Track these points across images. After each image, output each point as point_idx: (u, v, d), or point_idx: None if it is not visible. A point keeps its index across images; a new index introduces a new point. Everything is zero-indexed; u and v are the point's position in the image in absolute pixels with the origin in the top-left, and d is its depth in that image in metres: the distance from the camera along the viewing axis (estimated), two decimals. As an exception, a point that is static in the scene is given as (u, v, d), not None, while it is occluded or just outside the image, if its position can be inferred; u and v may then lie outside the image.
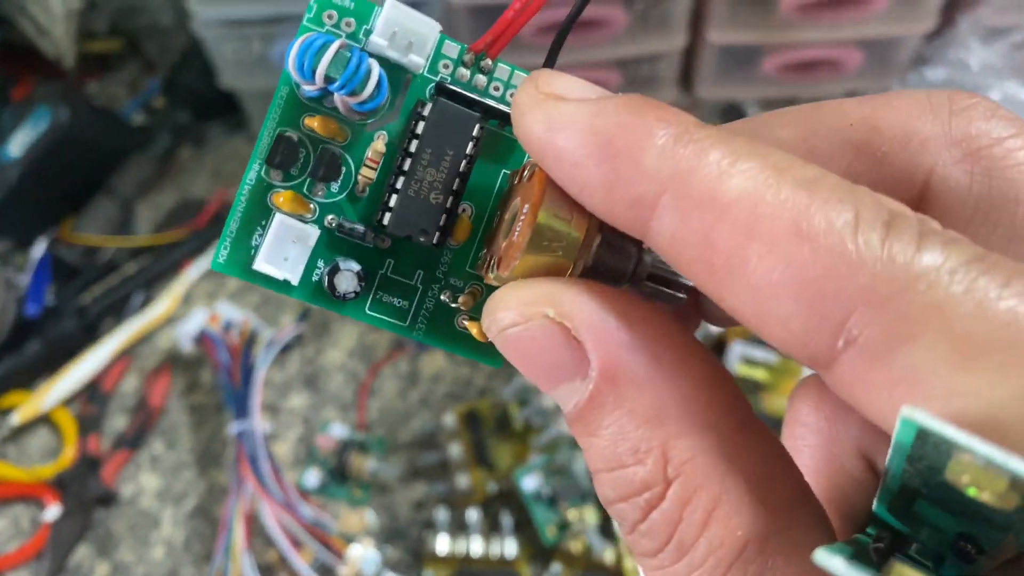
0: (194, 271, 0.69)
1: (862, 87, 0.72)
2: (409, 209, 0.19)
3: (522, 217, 0.17)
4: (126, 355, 0.67)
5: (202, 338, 0.63)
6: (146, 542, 0.61)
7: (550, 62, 0.20)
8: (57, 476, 0.63)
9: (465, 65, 0.20)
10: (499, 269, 0.18)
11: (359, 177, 0.19)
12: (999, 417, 0.12)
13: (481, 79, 0.20)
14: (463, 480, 0.59)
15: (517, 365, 0.17)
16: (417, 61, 0.19)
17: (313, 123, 0.19)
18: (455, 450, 0.61)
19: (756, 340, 0.60)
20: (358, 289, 0.19)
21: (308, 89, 0.19)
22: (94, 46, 0.76)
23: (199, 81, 0.71)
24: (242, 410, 0.59)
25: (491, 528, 0.58)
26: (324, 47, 0.18)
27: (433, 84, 0.20)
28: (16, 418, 0.64)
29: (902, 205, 0.14)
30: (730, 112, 0.72)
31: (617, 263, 0.18)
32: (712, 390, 0.16)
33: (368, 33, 0.19)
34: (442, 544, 0.57)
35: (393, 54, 0.19)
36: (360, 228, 0.19)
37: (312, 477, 0.61)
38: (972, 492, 0.12)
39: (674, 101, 0.73)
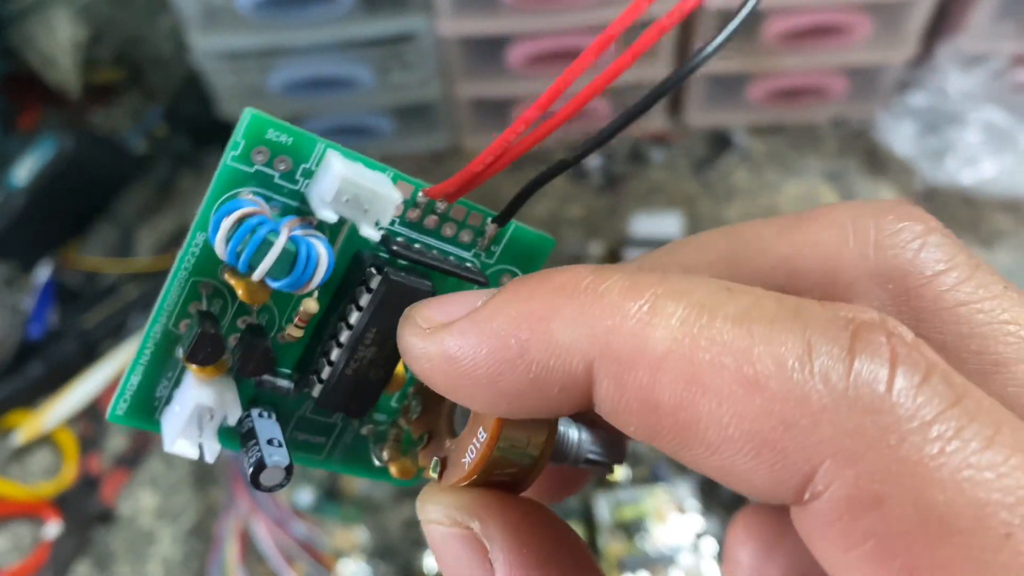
0: (193, 294, 0.70)
1: (848, 112, 0.74)
2: (344, 386, 0.17)
3: (475, 442, 0.16)
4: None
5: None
6: (144, 559, 0.63)
7: (508, 213, 0.19)
8: (58, 495, 0.64)
9: (416, 206, 0.18)
10: (442, 478, 0.17)
11: (285, 334, 0.17)
12: None
13: (433, 219, 0.18)
14: (453, 499, 0.60)
15: (435, 556, 0.17)
16: (370, 233, 0.16)
17: (237, 286, 0.17)
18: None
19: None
20: (284, 483, 0.17)
21: (226, 249, 0.16)
22: (98, 76, 0.78)
23: (198, 110, 0.73)
24: (237, 430, 0.61)
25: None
26: (265, 244, 0.15)
27: (379, 241, 0.17)
28: (19, 438, 0.65)
29: (863, 311, 0.13)
30: (717, 140, 0.74)
31: (565, 449, 0.18)
32: None
33: (307, 174, 0.16)
34: (431, 562, 0.58)
35: (347, 217, 0.16)
36: (284, 385, 0.18)
37: (305, 496, 0.63)
38: None
39: (663, 128, 0.75)
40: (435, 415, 0.19)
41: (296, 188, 0.17)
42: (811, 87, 0.71)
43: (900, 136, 0.69)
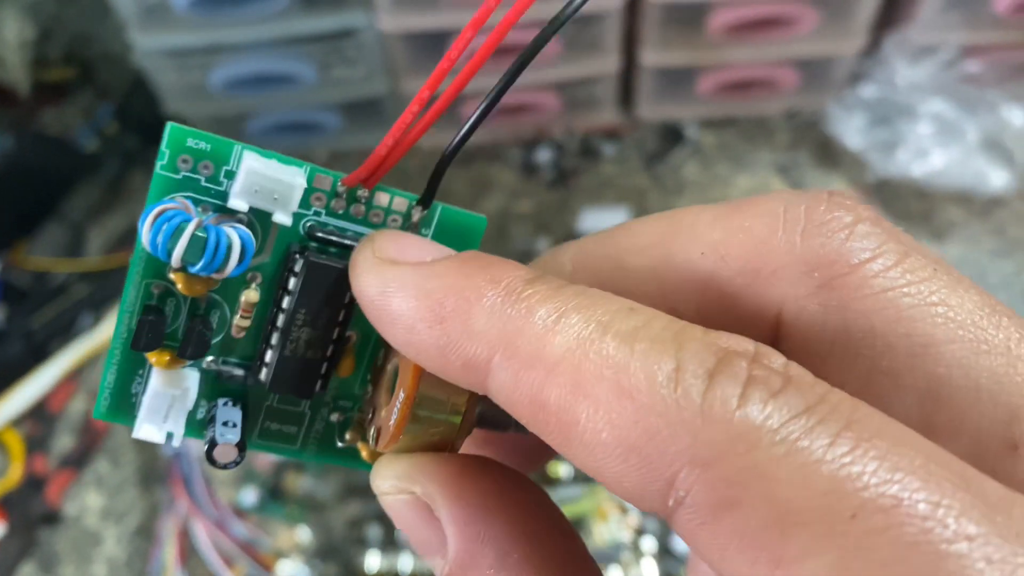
0: (141, 293, 0.70)
1: (800, 104, 0.73)
2: (286, 368, 0.18)
3: (398, 402, 0.17)
4: (74, 377, 0.68)
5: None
6: (89, 560, 0.63)
7: (429, 195, 0.19)
8: (3, 495, 0.64)
9: (339, 196, 0.19)
10: (378, 444, 0.18)
11: (234, 324, 0.19)
12: None
13: (360, 208, 0.19)
14: (395, 497, 0.60)
15: (397, 527, 0.18)
16: (283, 218, 0.18)
17: (177, 280, 0.18)
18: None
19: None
20: (238, 459, 0.19)
21: (163, 253, 0.18)
22: (49, 75, 0.78)
23: (148, 108, 0.73)
24: (177, 430, 0.61)
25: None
26: (178, 231, 0.17)
27: (307, 223, 0.18)
28: (-36, 439, 0.65)
29: (738, 340, 0.14)
30: (668, 133, 0.73)
31: (500, 416, 0.19)
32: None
33: (229, 175, 0.18)
34: (373, 561, 0.58)
35: (259, 207, 0.18)
36: (240, 374, 0.19)
37: (249, 495, 0.63)
38: None
39: (614, 122, 0.74)
40: (377, 391, 0.20)
41: (222, 189, 0.18)
42: (761, 79, 0.71)
43: (851, 128, 0.69)
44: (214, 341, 0.19)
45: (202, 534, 0.57)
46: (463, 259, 0.16)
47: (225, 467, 0.19)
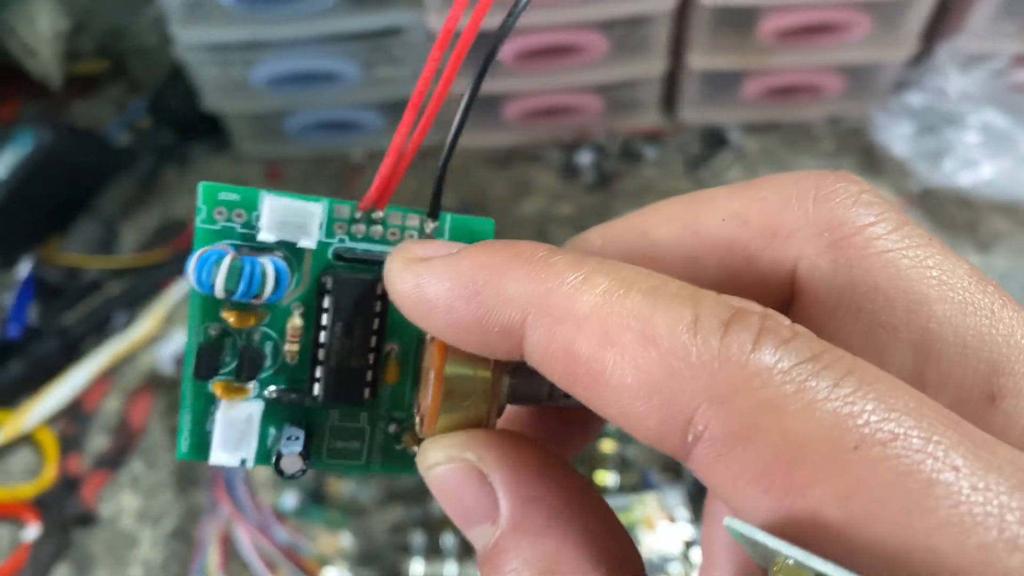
0: (176, 291, 0.69)
1: (843, 111, 0.73)
2: (334, 379, 0.20)
3: (430, 383, 0.19)
4: (108, 375, 0.67)
5: (182, 358, 0.64)
6: (124, 563, 0.62)
7: (435, 209, 0.21)
8: (38, 496, 0.63)
9: (358, 222, 0.21)
10: (422, 430, 0.20)
11: (285, 351, 0.21)
12: (818, 515, 0.14)
13: (377, 229, 0.21)
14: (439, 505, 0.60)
15: (441, 504, 0.19)
16: (308, 243, 0.20)
17: (229, 317, 0.20)
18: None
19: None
20: (304, 467, 0.21)
21: (213, 292, 0.20)
22: (81, 67, 0.77)
23: (183, 103, 0.72)
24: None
25: (465, 552, 0.59)
26: (217, 264, 0.19)
27: (333, 250, 0.21)
28: (-2, 438, 0.64)
29: (748, 303, 0.16)
30: (711, 137, 0.73)
31: (532, 389, 0.20)
32: (606, 543, 0.18)
33: (260, 219, 0.20)
34: (417, 568, 0.58)
35: (281, 236, 0.20)
36: (298, 396, 0.21)
37: (290, 500, 0.62)
38: None
39: (656, 125, 0.73)
40: (419, 391, 0.21)
41: (255, 233, 0.20)
42: (807, 85, 0.70)
43: (897, 136, 0.68)
44: (271, 370, 0.21)
45: (245, 539, 0.56)
46: (487, 243, 0.18)
47: (292, 477, 0.21)
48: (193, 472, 0.64)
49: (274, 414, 0.21)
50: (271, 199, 0.20)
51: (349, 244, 0.21)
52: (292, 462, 0.21)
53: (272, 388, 0.21)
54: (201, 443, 0.21)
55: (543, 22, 0.61)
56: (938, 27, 0.67)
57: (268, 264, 0.20)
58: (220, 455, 0.20)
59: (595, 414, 0.20)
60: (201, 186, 0.20)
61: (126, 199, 0.72)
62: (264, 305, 0.20)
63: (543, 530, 0.17)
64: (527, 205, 0.71)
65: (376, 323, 0.20)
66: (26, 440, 0.66)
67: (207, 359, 0.20)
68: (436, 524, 0.60)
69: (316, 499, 0.62)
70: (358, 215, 0.21)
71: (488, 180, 0.73)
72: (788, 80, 0.69)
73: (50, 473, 0.64)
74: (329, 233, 0.21)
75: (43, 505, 0.63)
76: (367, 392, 0.21)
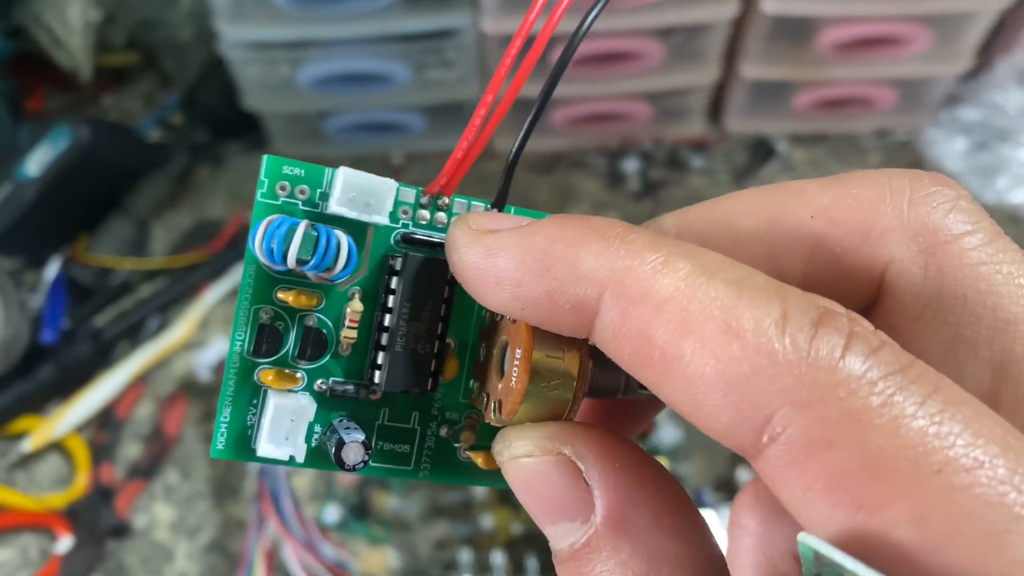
0: (211, 295, 0.67)
1: (893, 125, 0.72)
2: (399, 365, 0.19)
3: (516, 363, 0.18)
4: (141, 381, 0.65)
5: (220, 367, 0.62)
6: (159, 576, 0.60)
7: (501, 198, 0.20)
8: (69, 506, 0.61)
9: (423, 207, 0.20)
10: (501, 413, 0.18)
11: (341, 338, 0.19)
12: (891, 535, 0.13)
13: (441, 216, 0.20)
14: (487, 520, 0.58)
15: (521, 495, 0.18)
16: (380, 220, 0.19)
17: (287, 297, 0.19)
18: (479, 489, 0.59)
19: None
20: (366, 459, 0.19)
21: (272, 264, 0.19)
22: (110, 59, 0.74)
23: (219, 99, 0.70)
24: (264, 445, 0.58)
25: (516, 571, 0.57)
26: (291, 231, 0.18)
27: (398, 234, 0.19)
28: (27, 444, 0.62)
29: (834, 304, 0.15)
30: (758, 147, 0.71)
31: (609, 380, 0.19)
32: (699, 552, 0.17)
33: (324, 197, 0.19)
34: (464, 586, 0.56)
35: (353, 215, 0.19)
36: (352, 388, 0.19)
37: (332, 513, 0.60)
38: None
39: (702, 134, 0.72)
40: (487, 380, 0.20)
41: (318, 210, 0.19)
42: (859, 98, 0.69)
43: (949, 151, 0.67)
44: (324, 361, 0.19)
45: (291, 556, 0.54)
46: (561, 217, 0.17)
47: (354, 469, 0.19)
48: (231, 483, 0.62)
49: (320, 409, 0.19)
50: (347, 171, 0.19)
51: (412, 229, 0.20)
52: (355, 451, 0.19)
53: (321, 381, 0.19)
54: (240, 440, 0.19)
55: (603, 28, 0.59)
56: (994, 42, 0.66)
57: (342, 235, 0.18)
58: (268, 448, 0.18)
59: (648, 408, 0.20)
60: (265, 158, 0.19)
61: (158, 198, 0.70)
62: (323, 287, 0.19)
63: (645, 532, 0.16)
64: (571, 212, 0.69)
65: (443, 309, 0.19)
66: (56, 447, 0.64)
67: (269, 338, 0.19)
68: (484, 541, 0.58)
69: (359, 514, 0.60)
70: (424, 200, 0.20)
71: (532, 185, 0.71)
72: (840, 92, 0.68)
73: (81, 482, 0.62)
74: (393, 218, 0.19)
75: (75, 515, 0.61)
76: (430, 383, 0.19)
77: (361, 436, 0.19)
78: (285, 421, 0.19)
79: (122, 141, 0.67)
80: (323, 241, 0.18)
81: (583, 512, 0.17)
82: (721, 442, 0.15)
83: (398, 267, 0.19)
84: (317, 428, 0.19)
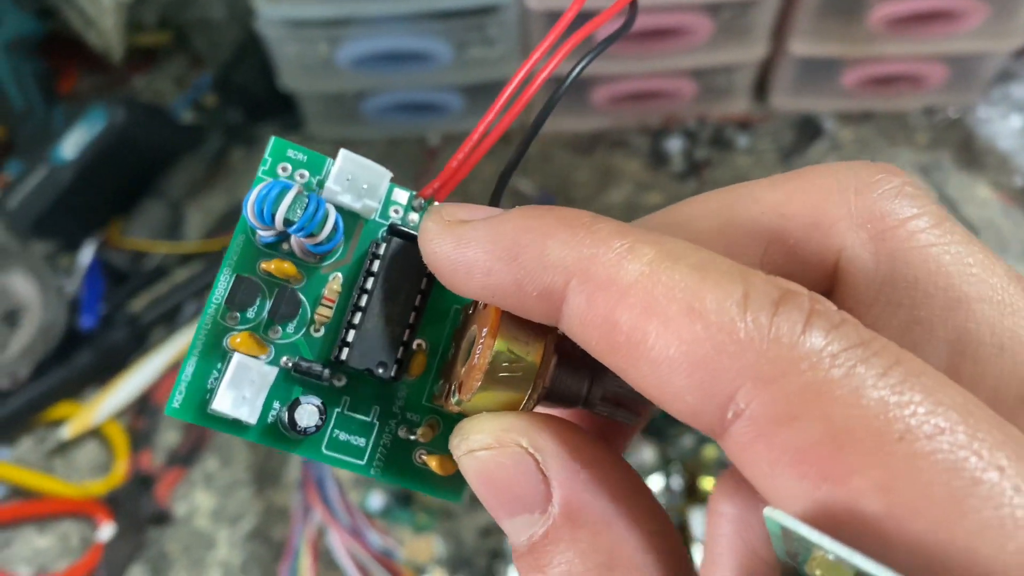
0: (249, 280, 0.66)
1: (943, 102, 0.70)
2: (367, 342, 0.19)
3: (481, 341, 0.18)
4: (178, 367, 0.64)
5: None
6: (202, 564, 0.59)
7: (496, 199, 0.21)
8: (109, 493, 0.60)
9: (415, 210, 0.20)
10: (460, 393, 0.18)
11: (315, 316, 0.19)
12: (857, 506, 0.13)
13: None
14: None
15: (478, 488, 0.17)
16: (371, 205, 0.20)
17: (269, 266, 0.19)
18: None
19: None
20: (319, 423, 0.19)
21: (264, 235, 0.19)
22: (141, 39, 0.73)
23: (253, 79, 0.68)
24: (307, 432, 0.57)
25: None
26: (283, 192, 0.19)
27: (386, 227, 0.20)
28: (66, 431, 0.61)
29: (795, 284, 0.15)
30: (804, 125, 0.70)
31: (572, 385, 0.19)
32: (660, 542, 0.17)
33: (321, 184, 0.20)
34: (513, 575, 0.55)
35: (347, 199, 0.19)
36: (318, 367, 0.19)
37: (376, 501, 0.59)
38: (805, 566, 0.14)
39: (747, 112, 0.70)
40: (451, 372, 0.20)
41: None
42: (908, 74, 0.67)
43: (1003, 129, 0.65)
44: (294, 339, 0.19)
45: (337, 543, 0.53)
46: (529, 207, 0.17)
47: (304, 431, 0.19)
48: (272, 470, 0.61)
49: (282, 386, 0.19)
50: (346, 152, 0.19)
51: (405, 229, 0.20)
52: (309, 413, 0.19)
53: (287, 358, 0.19)
54: (199, 402, 0.19)
55: (651, 3, 0.58)
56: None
57: (331, 208, 0.19)
58: (224, 402, 0.18)
59: (620, 428, 0.21)
60: (272, 139, 0.20)
61: (192, 181, 0.69)
62: (307, 267, 0.19)
63: (604, 523, 0.16)
64: (613, 194, 0.68)
65: (418, 299, 0.20)
66: (94, 434, 0.63)
67: (244, 290, 0.19)
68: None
69: (403, 501, 0.59)
70: (416, 203, 0.20)
71: (571, 166, 0.70)
72: (890, 69, 0.67)
73: (121, 469, 0.61)
74: (384, 214, 0.20)
75: (115, 503, 0.60)
76: (394, 369, 0.19)
77: (319, 400, 0.19)
78: (246, 380, 0.18)
79: (157, 122, 0.65)
80: (312, 206, 0.19)
81: (541, 504, 0.17)
82: (690, 424, 0.15)
83: (381, 251, 0.19)
84: (275, 404, 0.19)
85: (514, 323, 0.17)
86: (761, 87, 0.70)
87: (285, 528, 0.60)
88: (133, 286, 0.66)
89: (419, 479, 0.20)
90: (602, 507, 0.17)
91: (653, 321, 0.15)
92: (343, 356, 0.19)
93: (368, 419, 0.20)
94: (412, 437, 0.20)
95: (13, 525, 0.61)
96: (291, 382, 0.20)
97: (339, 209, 0.19)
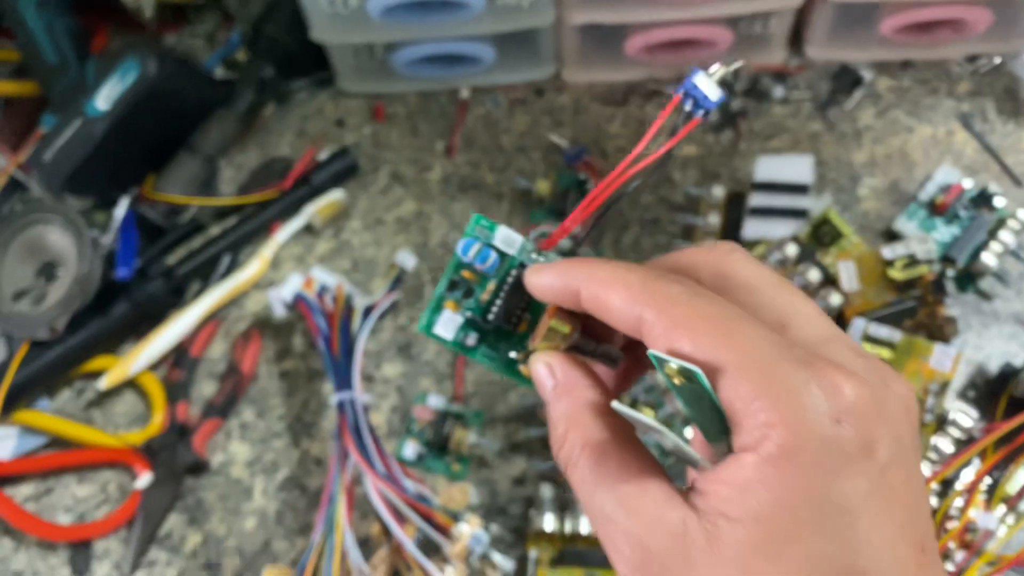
0: (282, 234, 0.66)
1: (986, 49, 0.68)
2: (501, 312, 0.33)
3: (545, 319, 0.31)
4: (214, 319, 0.64)
5: (296, 303, 0.61)
6: (237, 513, 0.59)
7: (572, 253, 0.33)
8: (146, 443, 0.61)
9: (532, 251, 0.33)
10: (533, 342, 0.32)
11: (481, 298, 0.33)
12: (679, 347, 0.26)
13: (541, 259, 0.34)
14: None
15: (535, 380, 0.31)
16: (511, 251, 0.32)
17: (466, 274, 0.33)
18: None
19: (877, 318, 0.57)
20: (465, 337, 0.33)
21: (464, 260, 0.32)
22: (173, -4, 0.73)
23: (284, 33, 0.68)
24: (342, 379, 0.57)
25: (600, 507, 0.56)
26: (472, 244, 0.32)
27: (518, 262, 0.33)
28: (103, 382, 0.62)
29: (677, 276, 0.28)
30: (841, 75, 0.68)
31: (584, 345, 0.31)
32: (602, 393, 0.30)
33: (489, 237, 0.32)
34: (547, 522, 0.55)
35: (501, 247, 0.32)
36: (480, 320, 0.33)
37: (410, 449, 0.59)
38: (669, 381, 0.25)
39: (783, 62, 0.69)
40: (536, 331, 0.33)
41: (490, 241, 0.33)
42: (950, 19, 0.66)
43: (1048, 75, 0.64)
44: (472, 304, 0.33)
45: (372, 489, 0.53)
46: (568, 259, 0.31)
47: (465, 344, 0.33)
48: (307, 421, 0.62)
49: (465, 327, 0.33)
50: (504, 228, 0.32)
51: (525, 259, 0.33)
52: (449, 322, 0.33)
53: (468, 313, 0.33)
54: (431, 325, 0.33)
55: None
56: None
57: (493, 253, 0.32)
58: (439, 329, 0.33)
59: (617, 373, 0.32)
60: (474, 215, 0.32)
61: (224, 136, 0.69)
62: (481, 273, 0.33)
63: (575, 390, 0.29)
64: (646, 144, 0.67)
65: (527, 299, 0.32)
66: (131, 386, 0.64)
67: (458, 285, 0.33)
68: (563, 477, 0.57)
69: (437, 450, 0.59)
70: (531, 247, 0.33)
71: (604, 118, 0.69)
72: (930, 15, 0.65)
73: (158, 420, 0.62)
74: (519, 254, 0.33)
75: (152, 452, 0.61)
76: (515, 327, 0.33)
77: (475, 336, 0.34)
78: (450, 321, 0.33)
79: (189, 75, 0.65)
80: (483, 253, 0.32)
81: (550, 384, 0.30)
82: (628, 333, 0.27)
83: (514, 275, 0.33)
84: (462, 333, 0.33)
85: (560, 312, 0.31)
86: (797, 36, 0.69)
87: (319, 478, 0.60)
88: (169, 240, 0.66)
89: (517, 376, 0.34)
90: (575, 383, 0.30)
91: (610, 292, 0.27)
92: (490, 317, 0.33)
93: (499, 345, 0.34)
94: (515, 355, 0.34)
95: (54, 474, 0.62)
96: (467, 326, 0.33)
97: (497, 251, 0.32)
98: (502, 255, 0.33)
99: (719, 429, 0.25)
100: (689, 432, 0.36)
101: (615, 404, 0.26)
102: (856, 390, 0.24)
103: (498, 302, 0.33)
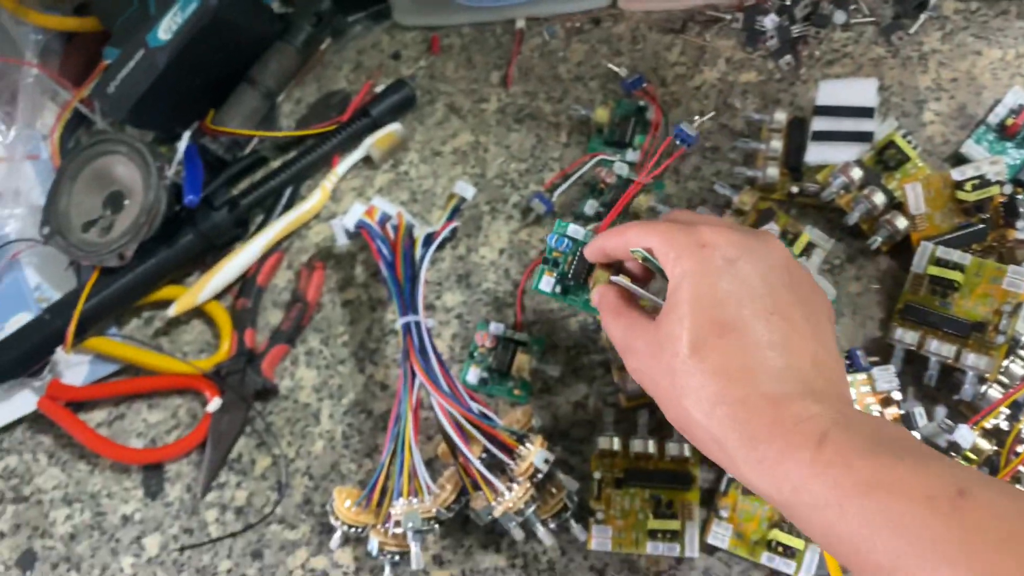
0: (342, 167, 0.66)
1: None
2: (576, 273, 0.48)
3: (597, 270, 0.47)
4: (278, 250, 0.65)
5: (359, 230, 0.61)
6: (305, 436, 0.61)
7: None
8: (215, 369, 0.62)
9: (593, 235, 0.48)
10: (592, 284, 0.47)
11: (565, 267, 0.48)
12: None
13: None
14: (632, 384, 0.57)
15: (597, 305, 0.46)
16: (578, 237, 0.48)
17: (556, 255, 0.48)
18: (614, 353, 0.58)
19: (945, 242, 0.57)
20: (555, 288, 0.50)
21: (553, 246, 0.48)
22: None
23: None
24: (407, 303, 0.58)
25: (658, 428, 0.56)
26: (556, 237, 0.49)
27: (583, 244, 0.48)
28: (171, 311, 0.63)
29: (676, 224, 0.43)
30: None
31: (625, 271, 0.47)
32: (617, 295, 0.45)
33: (566, 231, 0.49)
34: (605, 439, 0.56)
35: (572, 236, 0.48)
36: (563, 279, 0.48)
37: (473, 374, 0.60)
38: (643, 259, 0.43)
39: (846, -15, 0.68)
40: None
41: (565, 234, 0.50)
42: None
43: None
44: (561, 267, 0.49)
45: (438, 409, 0.54)
46: (595, 238, 0.47)
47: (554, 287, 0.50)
48: (370, 347, 0.62)
49: (557, 283, 0.48)
50: (573, 225, 0.48)
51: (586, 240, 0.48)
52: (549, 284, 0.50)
53: (557, 274, 0.48)
54: (537, 284, 0.48)
55: None
56: None
57: (567, 240, 0.47)
58: (543, 285, 0.48)
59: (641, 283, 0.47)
60: (557, 220, 0.49)
61: (283, 70, 0.69)
62: (563, 252, 0.48)
63: (624, 311, 0.44)
64: (707, 73, 0.66)
65: (587, 265, 0.47)
66: (198, 314, 0.65)
67: (553, 263, 0.50)
68: (626, 402, 0.57)
69: (499, 376, 0.60)
70: (591, 235, 0.48)
71: (662, 46, 0.68)
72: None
73: (225, 347, 0.63)
74: (585, 237, 0.48)
75: (221, 378, 0.62)
76: (584, 281, 0.48)
77: (559, 287, 0.50)
78: (547, 281, 0.48)
79: (247, 6, 0.66)
80: (563, 240, 0.48)
81: (598, 297, 0.46)
82: (623, 258, 0.46)
83: (579, 253, 0.48)
84: (557, 288, 0.49)
85: (602, 266, 0.46)
86: (860, -42, 0.67)
87: (384, 402, 0.61)
88: (232, 172, 0.67)
89: (590, 309, 0.47)
90: (625, 306, 0.44)
91: (613, 244, 0.45)
92: (570, 276, 0.48)
93: (579, 290, 0.48)
94: (587, 296, 0.47)
95: (125, 400, 0.64)
96: (558, 283, 0.48)
97: (570, 239, 0.48)
98: (573, 241, 0.50)
99: (663, 275, 0.43)
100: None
101: (614, 278, 0.46)
102: (710, 233, 0.41)
103: (573, 267, 0.50)
